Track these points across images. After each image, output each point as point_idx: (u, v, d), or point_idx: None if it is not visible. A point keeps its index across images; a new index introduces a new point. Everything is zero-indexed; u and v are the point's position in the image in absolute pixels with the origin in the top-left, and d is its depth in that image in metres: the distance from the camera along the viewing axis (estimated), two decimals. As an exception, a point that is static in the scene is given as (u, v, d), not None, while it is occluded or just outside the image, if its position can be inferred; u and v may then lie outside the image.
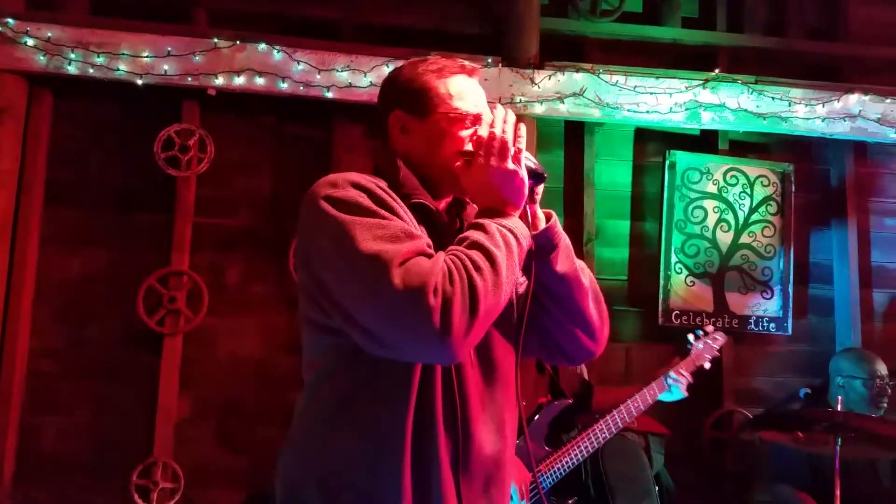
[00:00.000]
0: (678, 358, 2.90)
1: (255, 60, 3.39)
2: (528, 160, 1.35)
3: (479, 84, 1.46)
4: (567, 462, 2.61)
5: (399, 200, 1.30)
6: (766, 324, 3.69)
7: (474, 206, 1.41)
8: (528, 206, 1.34)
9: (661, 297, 3.62)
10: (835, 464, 2.63)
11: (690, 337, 2.98)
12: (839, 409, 2.76)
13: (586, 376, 3.06)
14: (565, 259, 1.38)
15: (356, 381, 1.28)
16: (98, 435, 3.35)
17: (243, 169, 3.57)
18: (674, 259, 3.65)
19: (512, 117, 1.35)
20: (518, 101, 3.47)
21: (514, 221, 1.29)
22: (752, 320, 3.68)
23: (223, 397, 3.43)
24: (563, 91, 3.52)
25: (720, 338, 3.01)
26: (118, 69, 3.33)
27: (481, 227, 1.25)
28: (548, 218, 1.39)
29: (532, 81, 3.49)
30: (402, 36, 3.62)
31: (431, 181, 1.39)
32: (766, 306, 3.70)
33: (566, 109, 3.54)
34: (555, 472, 2.59)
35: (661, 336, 3.69)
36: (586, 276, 1.43)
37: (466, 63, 1.46)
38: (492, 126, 1.34)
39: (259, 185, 3.57)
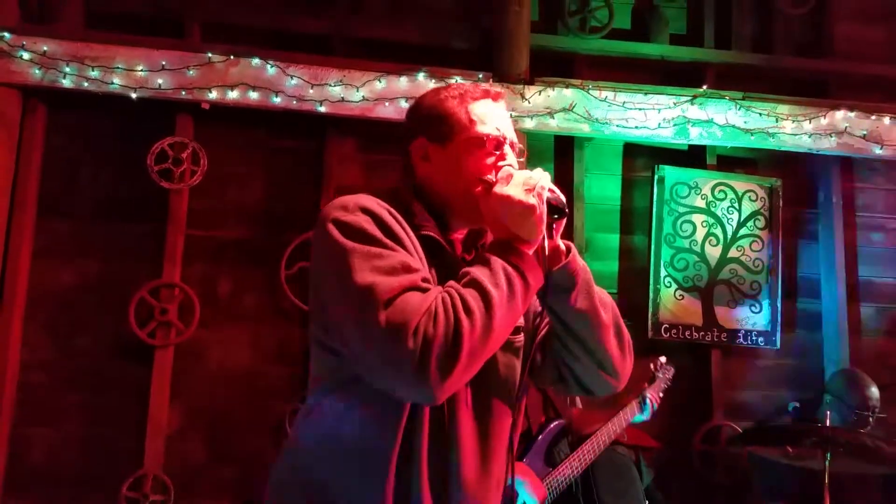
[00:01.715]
0: (646, 384, 2.98)
1: (249, 75, 3.42)
2: (553, 192, 1.29)
3: (504, 108, 1.43)
4: (563, 480, 2.62)
5: (408, 229, 1.28)
6: (754, 338, 3.71)
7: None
8: (546, 241, 1.28)
9: (650, 310, 3.64)
10: (824, 478, 2.65)
11: (651, 366, 3.06)
12: (828, 423, 2.78)
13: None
14: (585, 296, 1.32)
15: (350, 403, 1.28)
16: (88, 447, 3.34)
17: (236, 182, 3.59)
18: (663, 273, 3.68)
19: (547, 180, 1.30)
20: (509, 115, 3.49)
21: (525, 259, 1.23)
22: (740, 334, 3.70)
23: (214, 409, 3.43)
24: (552, 106, 3.56)
25: (670, 367, 3.12)
26: (112, 83, 3.35)
27: (486, 263, 1.21)
28: (567, 250, 1.33)
29: (522, 97, 3.53)
30: (393, 51, 3.66)
31: (450, 211, 1.38)
32: (755, 320, 3.73)
33: (556, 124, 3.58)
34: (554, 488, 2.61)
35: (651, 349, 3.69)
36: (608, 311, 1.36)
37: (490, 87, 1.44)
38: (506, 157, 1.34)
39: (251, 197, 3.59)
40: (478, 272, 1.20)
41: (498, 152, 1.37)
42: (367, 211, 1.25)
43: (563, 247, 1.33)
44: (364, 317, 1.15)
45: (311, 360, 1.39)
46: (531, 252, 1.26)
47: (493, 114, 1.40)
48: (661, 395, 3.02)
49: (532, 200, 1.24)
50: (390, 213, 1.27)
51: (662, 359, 3.11)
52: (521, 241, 1.25)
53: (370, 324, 1.14)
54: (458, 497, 1.29)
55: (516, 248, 1.24)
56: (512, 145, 1.40)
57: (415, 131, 1.41)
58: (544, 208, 1.26)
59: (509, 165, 1.35)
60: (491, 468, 1.34)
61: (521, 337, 1.39)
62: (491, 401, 1.34)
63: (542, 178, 1.28)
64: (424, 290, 1.18)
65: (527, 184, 1.26)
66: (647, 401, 2.86)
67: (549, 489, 2.57)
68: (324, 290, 1.27)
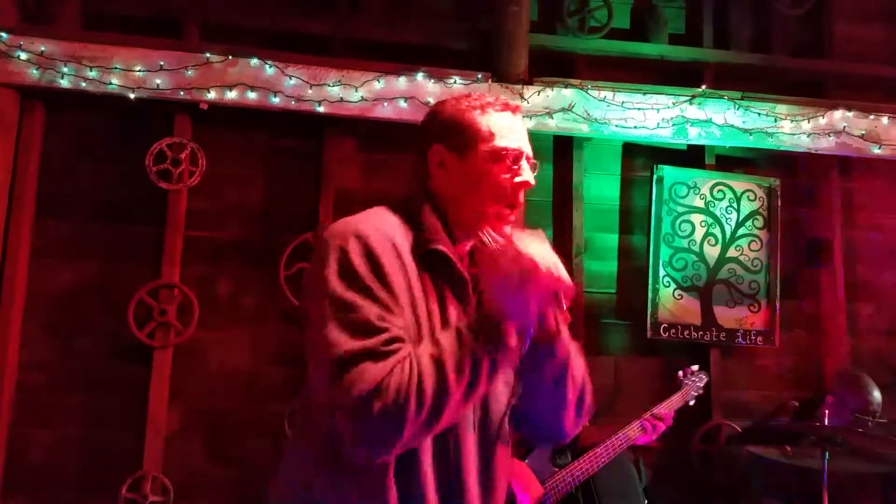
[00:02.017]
0: (670, 397, 2.95)
1: (247, 75, 3.41)
2: (561, 278, 1.23)
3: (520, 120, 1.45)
4: (570, 482, 2.61)
5: (406, 256, 1.29)
6: (753, 337, 3.72)
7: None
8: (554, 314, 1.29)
9: (649, 310, 3.64)
10: (823, 477, 2.65)
11: (680, 374, 3.03)
12: (826, 422, 2.78)
13: None
14: (558, 366, 1.36)
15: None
16: (87, 448, 3.34)
17: (235, 182, 3.58)
18: (662, 272, 3.68)
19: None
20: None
21: (507, 353, 1.22)
22: (739, 333, 3.71)
23: (213, 410, 3.43)
24: (552, 106, 3.56)
25: (704, 376, 3.08)
26: (110, 83, 3.35)
27: (460, 340, 1.20)
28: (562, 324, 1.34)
29: (521, 97, 3.53)
30: (392, 51, 3.66)
31: (461, 221, 1.39)
32: (754, 320, 3.73)
33: (555, 124, 3.58)
34: (558, 489, 2.59)
35: (649, 349, 3.71)
36: (578, 370, 1.39)
37: (510, 101, 1.46)
38: (523, 172, 1.38)
39: (250, 198, 3.59)
40: (449, 347, 1.19)
41: (516, 167, 1.38)
42: (367, 250, 1.25)
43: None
44: (320, 366, 1.20)
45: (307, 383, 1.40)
46: (515, 335, 1.23)
47: (512, 127, 1.41)
48: (691, 402, 3.01)
49: (541, 308, 1.25)
50: (389, 243, 1.27)
51: (695, 367, 3.08)
52: (507, 322, 1.22)
53: (324, 375, 1.18)
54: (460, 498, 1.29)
55: (501, 339, 1.21)
56: (528, 159, 1.42)
57: (433, 137, 1.42)
58: (544, 298, 1.24)
59: (525, 184, 1.38)
60: (494, 489, 1.35)
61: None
62: (496, 425, 1.36)
63: (557, 269, 1.24)
64: (385, 356, 1.17)
65: (534, 273, 1.21)
66: (659, 419, 2.84)
67: (551, 489, 2.57)
68: (306, 315, 1.30)
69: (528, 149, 1.42)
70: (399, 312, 1.24)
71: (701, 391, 3.06)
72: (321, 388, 1.21)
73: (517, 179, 1.38)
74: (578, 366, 1.39)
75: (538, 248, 1.24)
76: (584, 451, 2.70)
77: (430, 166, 1.41)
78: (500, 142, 1.38)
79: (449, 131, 1.40)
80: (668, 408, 2.89)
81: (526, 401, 1.40)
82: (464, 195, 1.38)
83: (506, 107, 1.43)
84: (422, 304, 1.28)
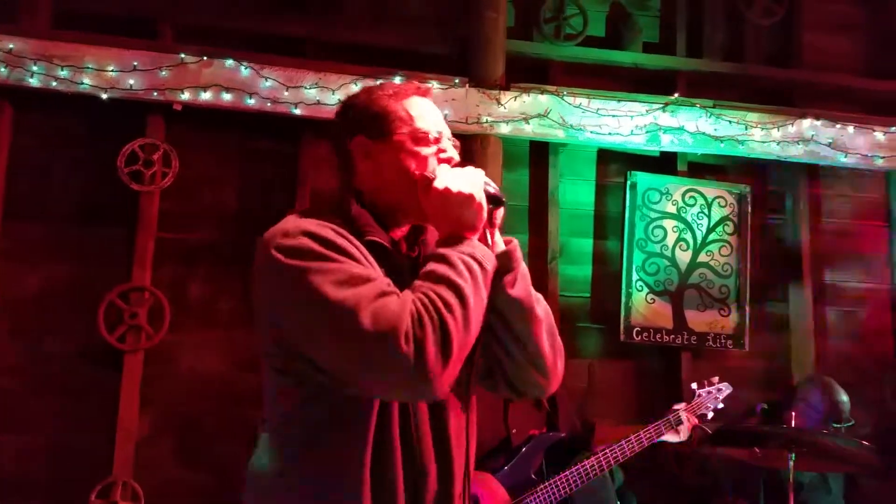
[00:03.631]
0: (685, 403, 2.94)
1: (222, 76, 3.38)
2: (488, 185, 1.35)
3: (441, 109, 1.48)
4: (554, 494, 2.60)
5: (354, 240, 1.29)
6: (723, 340, 3.78)
7: (434, 231, 1.40)
8: (487, 231, 1.34)
9: (622, 314, 3.68)
10: (789, 479, 2.70)
11: (694, 385, 3.03)
12: (793, 425, 2.84)
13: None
14: (521, 285, 1.36)
15: (315, 423, 1.29)
16: (56, 454, 3.28)
17: (209, 184, 3.55)
18: (635, 277, 3.73)
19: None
20: (484, 121, 3.52)
21: (477, 247, 1.28)
22: (709, 337, 3.76)
23: (185, 415, 3.39)
24: (528, 112, 3.58)
25: (725, 388, 3.05)
26: (82, 83, 3.30)
27: (445, 260, 1.24)
28: (507, 243, 1.39)
29: (498, 102, 3.54)
30: (370, 55, 3.65)
31: (393, 208, 1.39)
32: (724, 323, 3.79)
33: (531, 130, 3.60)
34: (540, 502, 2.58)
35: (623, 352, 3.76)
36: (541, 308, 1.40)
37: (420, 84, 1.48)
38: (447, 150, 1.39)
39: (225, 200, 3.56)
40: (441, 269, 1.23)
41: (437, 146, 1.40)
42: (309, 234, 1.25)
43: (499, 239, 1.39)
44: (346, 332, 1.16)
45: (264, 392, 1.38)
46: (476, 240, 1.31)
47: (428, 109, 1.44)
48: (709, 415, 2.99)
49: (470, 190, 1.30)
50: (333, 230, 1.27)
51: (715, 378, 3.07)
52: (466, 232, 1.29)
53: (356, 337, 1.15)
54: (432, 493, 1.31)
55: (465, 239, 1.28)
56: (450, 139, 1.44)
57: (352, 130, 1.42)
58: (483, 196, 1.32)
59: (449, 160, 1.40)
60: (452, 470, 1.35)
61: None
62: (448, 399, 1.36)
63: (477, 172, 1.35)
64: (394, 293, 1.20)
65: (463, 177, 1.32)
66: (682, 420, 2.83)
67: (530, 501, 2.55)
68: (282, 318, 1.27)
69: (446, 129, 1.44)
70: (378, 272, 1.27)
71: (721, 404, 3.01)
72: (357, 359, 1.17)
73: (442, 156, 1.39)
74: (540, 300, 1.41)
75: (463, 175, 1.33)
76: (590, 455, 2.67)
77: (354, 159, 1.42)
78: (420, 123, 1.40)
79: (367, 121, 1.41)
80: (690, 413, 2.86)
81: (497, 350, 1.39)
82: (392, 180, 1.38)
83: (417, 90, 1.45)
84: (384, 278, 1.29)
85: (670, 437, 2.82)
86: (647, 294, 3.74)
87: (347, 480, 1.25)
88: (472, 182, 1.32)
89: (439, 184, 1.31)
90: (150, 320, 3.35)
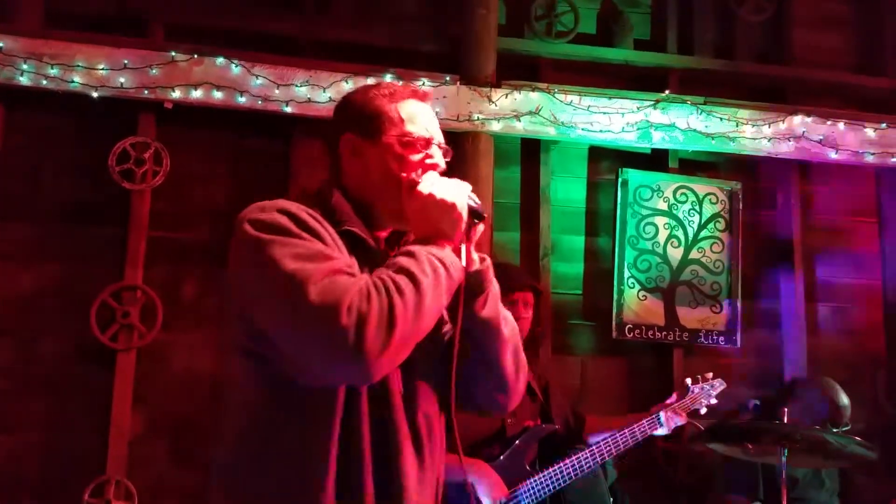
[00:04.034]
0: (676, 395, 2.95)
1: (213, 74, 3.38)
2: (472, 199, 1.35)
3: (432, 107, 1.47)
4: (548, 485, 2.60)
5: (328, 226, 1.29)
6: (715, 337, 3.79)
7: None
8: (463, 244, 1.33)
9: (614, 311, 3.69)
10: (782, 474, 2.71)
11: (688, 380, 3.03)
12: (786, 421, 2.84)
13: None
14: (491, 306, 1.36)
15: (278, 411, 1.26)
16: (49, 453, 3.27)
17: (200, 182, 3.54)
18: (626, 274, 3.73)
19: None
20: (476, 118, 3.52)
21: (447, 253, 1.27)
22: (701, 334, 3.77)
23: (177, 414, 3.39)
24: (519, 109, 3.59)
25: (718, 385, 3.04)
26: (73, 81, 3.29)
27: (411, 254, 1.24)
28: (481, 261, 1.38)
29: (489, 99, 3.55)
30: (361, 53, 3.65)
31: (376, 207, 1.39)
32: (716, 320, 3.80)
33: (522, 127, 3.61)
34: (534, 492, 2.58)
35: (615, 349, 3.76)
36: (508, 328, 1.40)
37: (419, 87, 1.48)
38: (434, 156, 1.39)
39: (216, 198, 3.55)
40: (404, 260, 1.23)
41: (426, 151, 1.40)
42: (283, 211, 1.26)
43: (475, 256, 1.38)
44: (293, 300, 1.15)
45: (226, 375, 1.35)
46: (450, 249, 1.30)
47: (422, 113, 1.43)
48: (702, 410, 2.98)
49: (453, 199, 1.30)
50: (308, 213, 1.28)
51: (709, 374, 3.06)
52: (442, 239, 1.29)
53: (300, 305, 1.14)
54: (400, 491, 1.28)
55: (438, 243, 1.28)
56: (439, 146, 1.43)
57: (343, 126, 1.43)
58: (465, 208, 1.32)
59: (433, 167, 1.39)
60: (425, 460, 1.34)
61: (448, 327, 1.42)
62: (422, 391, 1.35)
63: (464, 184, 1.35)
64: (350, 275, 1.19)
65: (449, 186, 1.32)
66: (667, 417, 2.83)
67: (524, 491, 2.56)
68: (243, 290, 1.27)
69: (438, 135, 1.43)
70: (343, 255, 1.26)
71: (714, 400, 3.00)
72: (299, 327, 1.16)
73: (428, 162, 1.39)
74: (508, 320, 1.41)
75: (448, 184, 1.34)
76: (582, 448, 2.68)
77: (342, 156, 1.43)
78: (409, 127, 1.40)
79: (359, 119, 1.41)
80: (681, 408, 2.87)
81: (462, 369, 1.38)
82: (377, 180, 1.39)
83: (414, 93, 1.45)
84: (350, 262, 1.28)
85: (659, 431, 2.82)
86: (639, 291, 3.74)
87: (310, 477, 1.22)
88: (456, 192, 1.32)
89: (424, 188, 1.32)
90: (142, 319, 3.35)
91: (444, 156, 1.44)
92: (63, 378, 3.32)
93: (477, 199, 1.37)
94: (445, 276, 1.25)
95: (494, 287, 1.38)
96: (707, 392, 3.01)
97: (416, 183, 1.34)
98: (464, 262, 1.32)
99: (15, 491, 3.23)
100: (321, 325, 1.13)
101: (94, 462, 3.25)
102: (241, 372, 1.31)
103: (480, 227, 1.38)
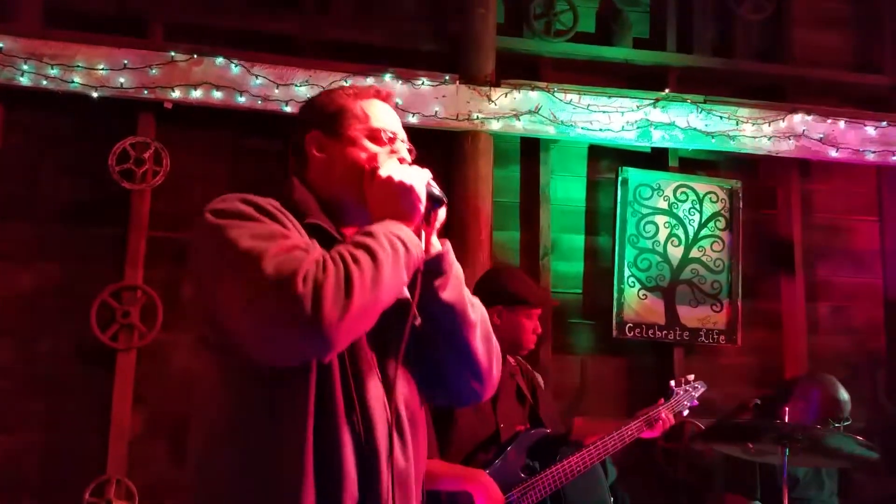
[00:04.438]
0: (662, 399, 2.93)
1: (213, 74, 3.39)
2: (432, 185, 1.36)
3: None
4: (541, 491, 2.58)
5: (292, 217, 1.29)
6: (715, 336, 3.78)
7: None
8: (424, 230, 1.33)
9: (614, 310, 3.69)
10: (783, 474, 2.71)
11: (672, 382, 3.03)
12: (787, 420, 2.84)
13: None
14: (454, 289, 1.35)
15: (247, 402, 1.24)
16: (49, 453, 3.27)
17: (200, 182, 3.54)
18: (627, 273, 3.73)
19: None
20: (475, 117, 3.52)
21: (404, 230, 1.27)
22: (702, 332, 3.77)
23: (178, 413, 3.37)
24: (518, 108, 3.59)
25: (700, 387, 3.03)
26: (73, 81, 3.30)
27: (369, 233, 1.24)
28: (442, 246, 1.38)
29: (489, 99, 3.55)
30: (360, 52, 3.65)
31: (341, 203, 1.39)
32: (716, 319, 3.80)
33: (522, 126, 3.61)
34: (528, 498, 2.56)
35: (615, 348, 3.76)
36: (476, 312, 1.39)
37: (381, 88, 1.51)
38: (399, 151, 1.40)
39: (216, 198, 3.54)
40: (362, 238, 1.22)
41: (390, 146, 1.42)
42: (244, 199, 1.27)
43: (435, 241, 1.38)
44: (249, 275, 1.14)
45: (198, 372, 1.32)
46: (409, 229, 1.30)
47: (385, 111, 1.46)
48: (685, 412, 2.97)
49: (410, 181, 1.31)
50: (271, 204, 1.28)
51: (691, 376, 3.06)
52: (401, 219, 1.29)
53: (256, 279, 1.13)
54: (379, 485, 1.25)
55: (397, 223, 1.28)
56: (403, 141, 1.45)
57: (309, 125, 1.45)
58: (423, 191, 1.32)
59: (400, 160, 1.40)
60: (406, 451, 1.32)
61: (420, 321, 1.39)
62: (399, 382, 1.32)
63: (423, 171, 1.36)
64: (308, 251, 1.18)
65: (408, 170, 1.34)
66: (655, 420, 2.81)
67: (518, 498, 2.54)
68: (204, 276, 1.25)
69: (401, 133, 1.45)
70: (302, 237, 1.25)
71: (696, 402, 2.99)
72: (254, 301, 1.14)
73: (394, 156, 1.40)
74: (475, 304, 1.40)
75: (407, 169, 1.35)
76: (572, 452, 2.67)
77: (308, 152, 1.44)
78: (374, 122, 1.43)
79: (324, 117, 1.44)
80: (668, 411, 2.86)
81: (431, 356, 1.38)
82: (342, 176, 1.40)
83: (377, 93, 1.48)
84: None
85: (646, 434, 2.80)
86: (640, 290, 3.74)
87: (285, 469, 1.20)
88: (415, 176, 1.33)
89: (383, 172, 1.33)
90: (142, 319, 3.36)
91: (409, 154, 1.45)
92: (63, 378, 3.32)
93: (437, 186, 1.38)
94: (404, 251, 1.24)
95: (457, 270, 1.38)
96: (690, 394, 3.00)
97: (377, 169, 1.35)
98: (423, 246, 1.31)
99: (15, 491, 3.23)
100: (277, 296, 1.11)
101: (95, 462, 3.25)
102: (209, 367, 1.29)
103: (441, 213, 1.39)
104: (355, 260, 1.16)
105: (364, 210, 1.37)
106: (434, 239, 1.38)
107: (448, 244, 1.39)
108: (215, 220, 1.23)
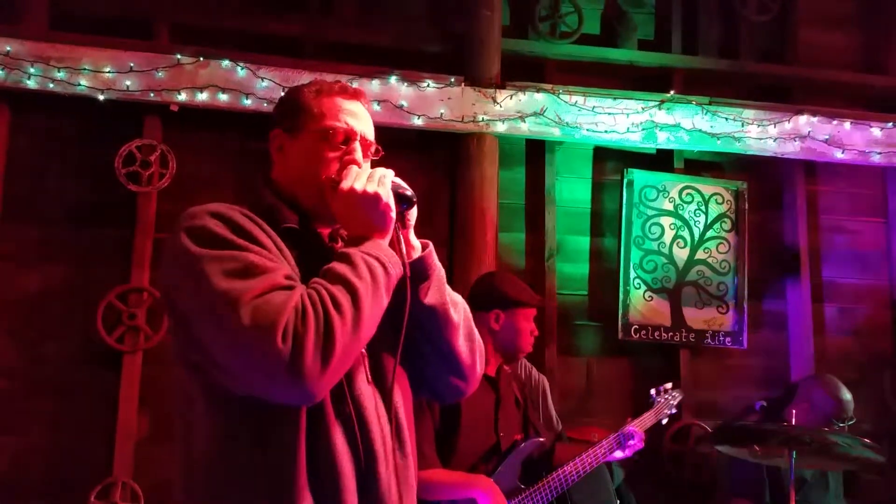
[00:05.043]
0: (630, 418, 2.89)
1: (219, 76, 3.39)
2: (399, 185, 1.32)
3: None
4: (543, 497, 2.57)
5: (267, 227, 1.26)
6: (722, 338, 3.78)
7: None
8: (400, 233, 1.30)
9: (620, 311, 3.68)
10: (790, 476, 2.69)
11: (652, 392, 3.01)
12: (794, 422, 2.83)
13: (555, 419, 3.09)
14: (436, 291, 1.33)
15: (234, 424, 1.21)
16: (55, 455, 3.28)
17: (206, 185, 3.55)
18: (632, 274, 3.73)
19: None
20: (480, 119, 3.53)
21: (381, 249, 1.24)
22: (708, 334, 3.76)
23: (184, 415, 3.39)
24: (524, 110, 3.59)
25: (678, 395, 3.03)
26: (79, 84, 3.31)
27: (347, 259, 1.20)
28: (424, 247, 1.35)
29: (494, 101, 3.55)
30: (366, 54, 3.66)
31: (307, 203, 1.36)
32: (722, 321, 3.79)
33: (527, 128, 3.61)
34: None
35: (621, 350, 3.76)
36: (459, 312, 1.37)
37: (349, 85, 1.46)
38: (353, 153, 1.35)
39: (221, 200, 3.53)
40: (340, 267, 1.19)
41: (344, 146, 1.37)
42: (215, 215, 1.23)
43: (415, 242, 1.36)
44: (225, 323, 1.11)
45: (176, 387, 1.28)
46: (385, 243, 1.27)
47: (344, 108, 1.40)
48: (664, 421, 2.95)
49: (374, 189, 1.26)
50: (243, 214, 1.25)
51: (668, 385, 3.06)
52: (374, 233, 1.26)
53: (233, 329, 1.10)
54: (379, 479, 1.25)
55: (372, 240, 1.25)
56: (363, 141, 1.40)
57: (273, 123, 1.43)
58: (391, 197, 1.28)
59: (353, 161, 1.36)
60: (405, 456, 1.31)
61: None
62: (393, 387, 1.31)
63: (385, 171, 1.32)
64: (287, 288, 1.15)
65: (370, 177, 1.29)
66: (629, 437, 2.78)
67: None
68: (179, 303, 1.21)
69: (363, 130, 1.40)
70: (280, 262, 1.22)
71: (674, 410, 3.00)
72: (233, 352, 1.12)
73: (346, 157, 1.36)
74: (457, 303, 1.38)
75: (364, 169, 1.32)
76: (554, 467, 2.66)
77: (271, 151, 1.42)
78: (328, 121, 1.37)
79: (285, 115, 1.41)
80: (639, 426, 2.81)
81: (415, 357, 1.36)
82: (299, 177, 1.37)
83: (343, 90, 1.42)
84: (288, 269, 1.24)
85: (618, 454, 2.76)
86: (645, 292, 3.74)
87: (275, 493, 1.17)
88: (378, 182, 1.28)
89: (345, 184, 1.28)
90: (148, 321, 3.36)
91: (374, 154, 1.42)
92: (69, 380, 3.33)
93: (404, 184, 1.33)
94: (383, 274, 1.22)
95: (438, 272, 1.35)
96: (669, 402, 2.99)
97: (338, 182, 1.30)
98: (404, 251, 1.29)
99: (21, 492, 3.23)
100: (256, 349, 1.09)
101: (101, 464, 3.26)
102: (190, 385, 1.25)
103: (413, 212, 1.35)
104: (336, 303, 1.14)
105: (321, 213, 1.34)
106: (413, 238, 1.35)
107: (430, 246, 1.37)
108: (187, 244, 1.19)
